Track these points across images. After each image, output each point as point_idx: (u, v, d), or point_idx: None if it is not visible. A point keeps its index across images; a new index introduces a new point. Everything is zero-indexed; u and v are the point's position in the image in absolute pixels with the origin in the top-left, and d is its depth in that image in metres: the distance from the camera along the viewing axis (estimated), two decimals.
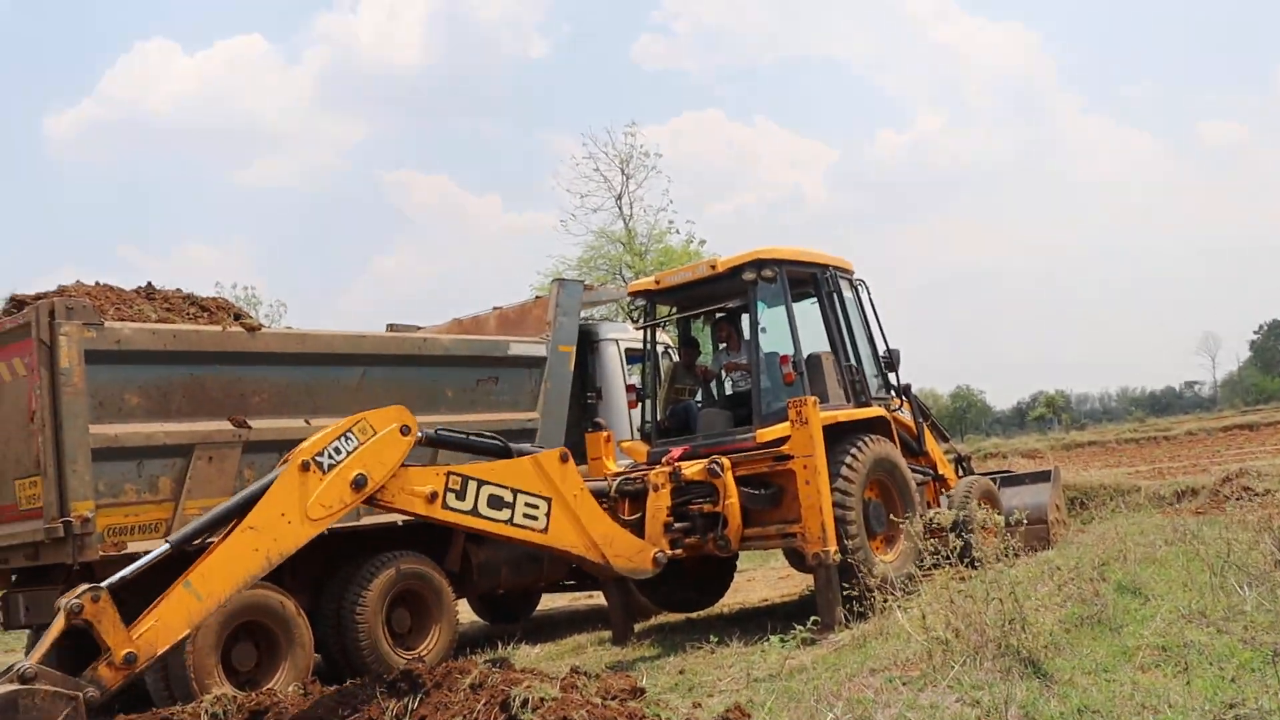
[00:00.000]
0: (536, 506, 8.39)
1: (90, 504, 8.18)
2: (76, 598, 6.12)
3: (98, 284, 9.48)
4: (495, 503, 8.16)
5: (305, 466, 7.09)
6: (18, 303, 8.97)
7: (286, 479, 7.05)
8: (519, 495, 8.29)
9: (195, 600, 6.59)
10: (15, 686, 5.78)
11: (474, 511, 8.03)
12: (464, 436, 8.59)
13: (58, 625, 6.13)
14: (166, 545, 6.78)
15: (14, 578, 9.67)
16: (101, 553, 8.24)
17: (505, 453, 8.61)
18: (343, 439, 7.30)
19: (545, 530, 8.44)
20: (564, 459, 8.66)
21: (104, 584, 6.28)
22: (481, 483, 8.10)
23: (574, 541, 8.66)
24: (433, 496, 7.81)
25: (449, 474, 7.96)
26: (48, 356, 8.16)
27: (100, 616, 6.21)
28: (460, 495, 7.97)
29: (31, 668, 5.87)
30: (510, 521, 8.24)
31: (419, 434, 7.84)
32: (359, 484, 7.31)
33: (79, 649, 9.81)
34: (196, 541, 6.98)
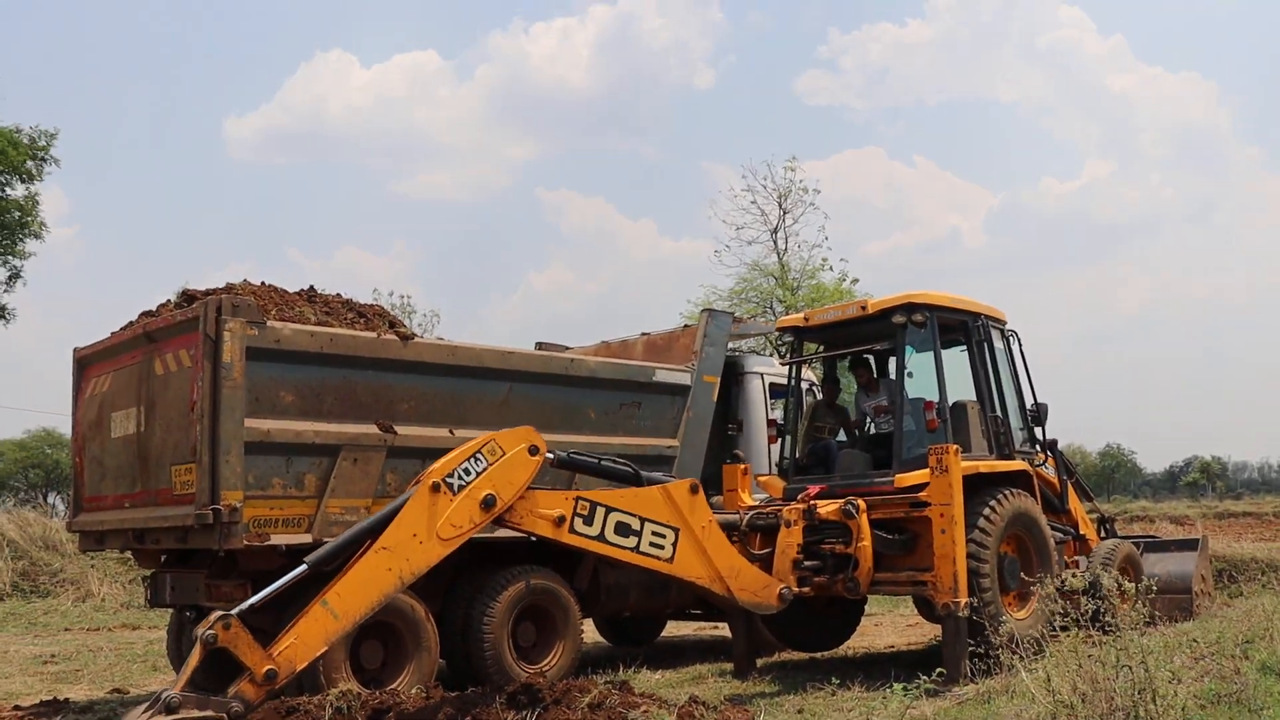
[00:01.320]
0: (664, 536, 8.43)
1: (239, 494, 8.46)
2: (210, 628, 6.36)
3: (263, 284, 9.82)
4: (622, 530, 8.23)
5: (436, 488, 7.28)
6: (188, 297, 9.33)
7: (418, 500, 7.24)
8: (646, 524, 8.34)
9: (332, 619, 6.83)
10: (164, 719, 6.02)
11: (600, 537, 8.12)
12: (596, 461, 8.68)
13: (196, 655, 6.37)
14: (304, 566, 7.01)
15: (163, 558, 10.06)
16: (246, 542, 8.51)
17: (636, 480, 8.68)
18: (472, 460, 7.47)
19: (671, 560, 8.48)
20: (694, 490, 8.69)
21: (234, 611, 6.52)
22: (610, 509, 8.19)
23: (699, 573, 8.67)
24: (560, 520, 7.92)
25: (578, 499, 8.07)
26: (212, 350, 8.47)
27: (235, 641, 6.46)
28: (588, 520, 8.06)
29: (176, 696, 6.13)
30: (637, 549, 8.30)
31: (550, 455, 7.97)
32: (488, 504, 7.46)
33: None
34: (334, 564, 7.18)
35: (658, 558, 8.42)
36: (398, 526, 7.13)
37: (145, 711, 6.16)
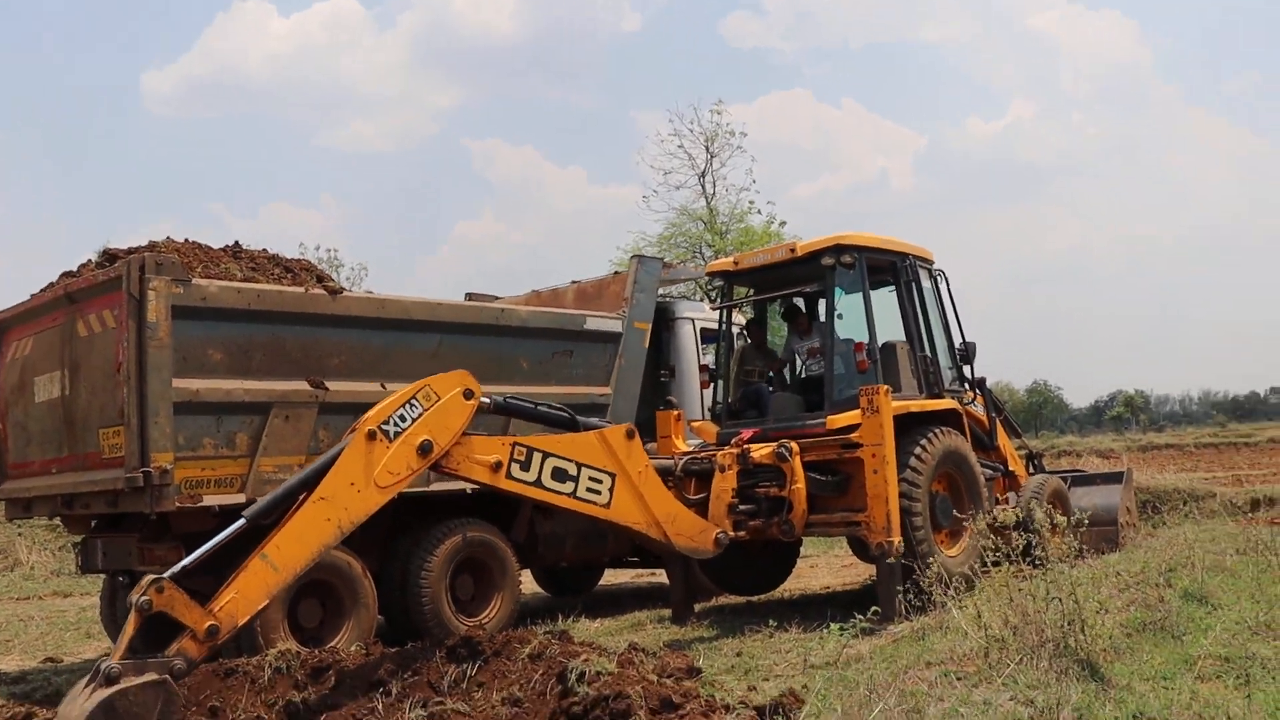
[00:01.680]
0: (600, 481, 8.46)
1: (170, 455, 8.36)
2: (144, 594, 6.22)
3: (187, 241, 9.66)
4: (559, 475, 8.23)
5: (372, 435, 7.19)
6: (110, 256, 9.17)
7: (354, 448, 7.15)
8: (583, 469, 8.36)
9: (272, 571, 6.73)
10: (107, 692, 5.92)
11: (538, 483, 8.12)
12: (532, 406, 8.67)
13: (132, 622, 6.22)
14: (243, 520, 6.89)
15: (93, 523, 9.94)
16: (178, 504, 8.42)
17: (572, 425, 8.68)
18: (407, 406, 7.40)
19: (608, 505, 8.51)
20: (630, 435, 8.72)
21: (167, 574, 6.38)
22: (546, 454, 8.18)
23: (636, 518, 8.72)
24: (497, 466, 7.89)
25: (514, 444, 8.05)
26: (136, 310, 8.32)
27: (171, 603, 6.31)
28: (525, 466, 8.05)
29: (115, 666, 5.97)
30: (574, 495, 8.32)
31: (487, 400, 7.93)
32: (425, 449, 7.40)
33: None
34: (271, 518, 7.08)
35: (595, 503, 8.45)
36: (335, 476, 7.05)
37: (86, 686, 6.07)
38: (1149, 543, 12.31)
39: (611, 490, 8.51)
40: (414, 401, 7.44)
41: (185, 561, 6.54)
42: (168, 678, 6.11)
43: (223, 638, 6.52)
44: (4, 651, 11.66)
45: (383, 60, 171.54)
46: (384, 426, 7.27)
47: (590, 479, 8.40)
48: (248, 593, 6.62)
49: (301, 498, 7.03)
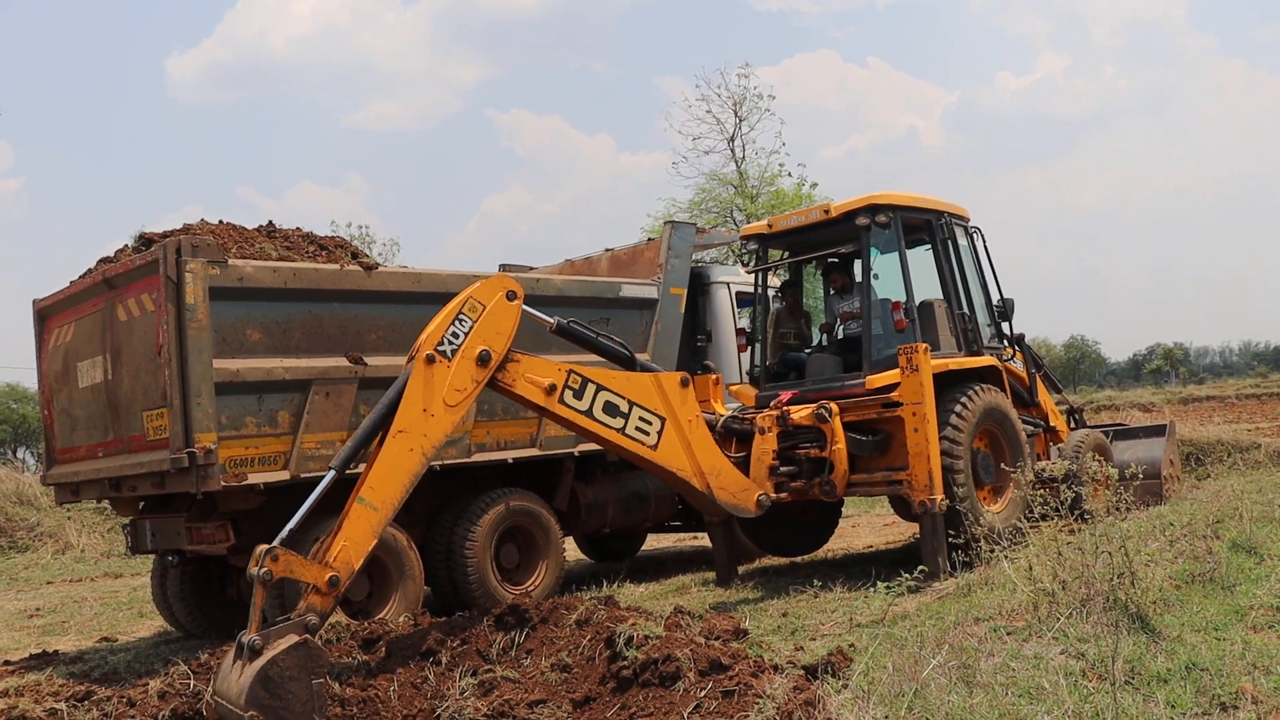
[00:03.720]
0: (650, 423, 8.57)
1: (213, 435, 8.42)
2: (261, 567, 6.33)
3: (221, 222, 9.70)
4: (611, 409, 8.36)
5: (430, 359, 7.39)
6: (145, 240, 9.21)
7: (417, 376, 7.34)
8: (635, 408, 8.47)
9: (372, 511, 6.92)
10: (257, 664, 6.02)
11: (589, 413, 8.25)
12: (594, 335, 8.80)
13: (258, 595, 6.36)
14: (332, 471, 7.04)
15: (141, 505, 10.04)
16: (223, 483, 8.49)
17: (630, 363, 8.81)
18: (456, 322, 7.57)
19: (655, 447, 8.60)
20: (685, 383, 8.85)
21: (276, 542, 6.48)
22: (600, 387, 8.31)
23: (682, 465, 8.77)
24: (551, 389, 8.05)
25: (570, 371, 8.20)
26: (174, 293, 8.38)
27: (289, 568, 6.46)
28: (578, 395, 8.20)
29: (255, 639, 6.11)
30: (623, 431, 8.43)
31: (550, 320, 8.24)
32: (484, 359, 7.61)
33: (204, 578, 10.21)
34: (355, 463, 7.21)
35: (643, 443, 8.55)
36: (406, 406, 7.23)
37: (235, 664, 6.19)
38: (1194, 495, 12.21)
39: (660, 433, 8.62)
40: (462, 316, 7.61)
41: (290, 525, 6.66)
42: (306, 636, 6.25)
43: (344, 585, 6.68)
44: (60, 633, 11.82)
45: (405, 37, 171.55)
46: (440, 348, 7.45)
47: (641, 418, 8.51)
48: (355, 537, 6.80)
49: (380, 435, 7.18)
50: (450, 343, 7.50)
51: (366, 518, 6.88)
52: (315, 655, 6.22)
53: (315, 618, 6.46)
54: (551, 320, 8.41)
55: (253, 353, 8.78)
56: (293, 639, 6.18)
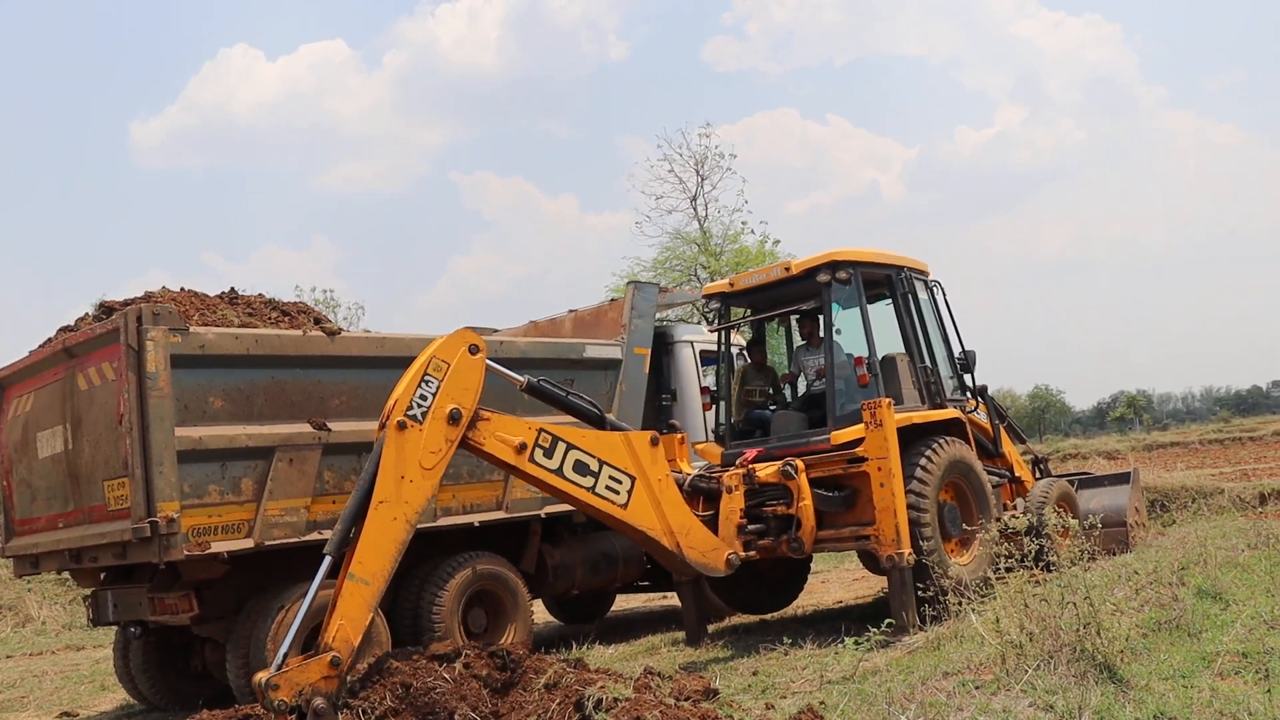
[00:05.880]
0: (620, 482, 8.57)
1: (176, 504, 8.35)
2: (271, 699, 6.40)
3: (183, 289, 9.68)
4: (581, 468, 8.37)
5: (402, 425, 7.37)
6: (106, 309, 9.18)
7: (390, 444, 7.32)
8: (605, 466, 8.49)
9: (364, 586, 6.94)
10: None
11: (559, 472, 8.26)
12: (564, 394, 8.82)
13: None
14: (328, 557, 7.03)
15: (103, 576, 9.93)
16: (186, 552, 8.40)
17: (600, 421, 8.84)
18: (423, 384, 7.55)
19: (625, 506, 8.61)
20: (654, 442, 8.86)
21: (272, 670, 6.51)
22: (571, 446, 8.32)
23: (652, 524, 8.78)
24: (521, 447, 8.06)
25: (540, 430, 8.20)
26: (135, 361, 8.34)
27: (295, 684, 6.49)
28: (548, 454, 8.20)
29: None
30: (593, 490, 8.44)
31: (521, 379, 8.29)
32: (454, 418, 7.60)
33: (168, 650, 10.06)
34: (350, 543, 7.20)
35: (613, 502, 8.55)
36: (384, 476, 7.22)
37: None
38: (1160, 542, 12.30)
39: (630, 492, 8.63)
40: (428, 377, 7.59)
41: (284, 650, 6.65)
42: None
43: (347, 663, 6.70)
44: (19, 708, 11.61)
45: (370, 101, 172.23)
46: (409, 413, 7.44)
47: (611, 477, 8.52)
48: (350, 614, 6.83)
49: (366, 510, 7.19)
50: (419, 405, 7.49)
51: (359, 593, 6.90)
52: None
53: (321, 700, 6.50)
54: (521, 378, 8.42)
55: (215, 420, 8.73)
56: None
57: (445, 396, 7.60)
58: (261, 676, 6.45)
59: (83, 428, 8.95)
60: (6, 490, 10.13)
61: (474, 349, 7.82)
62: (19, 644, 18.05)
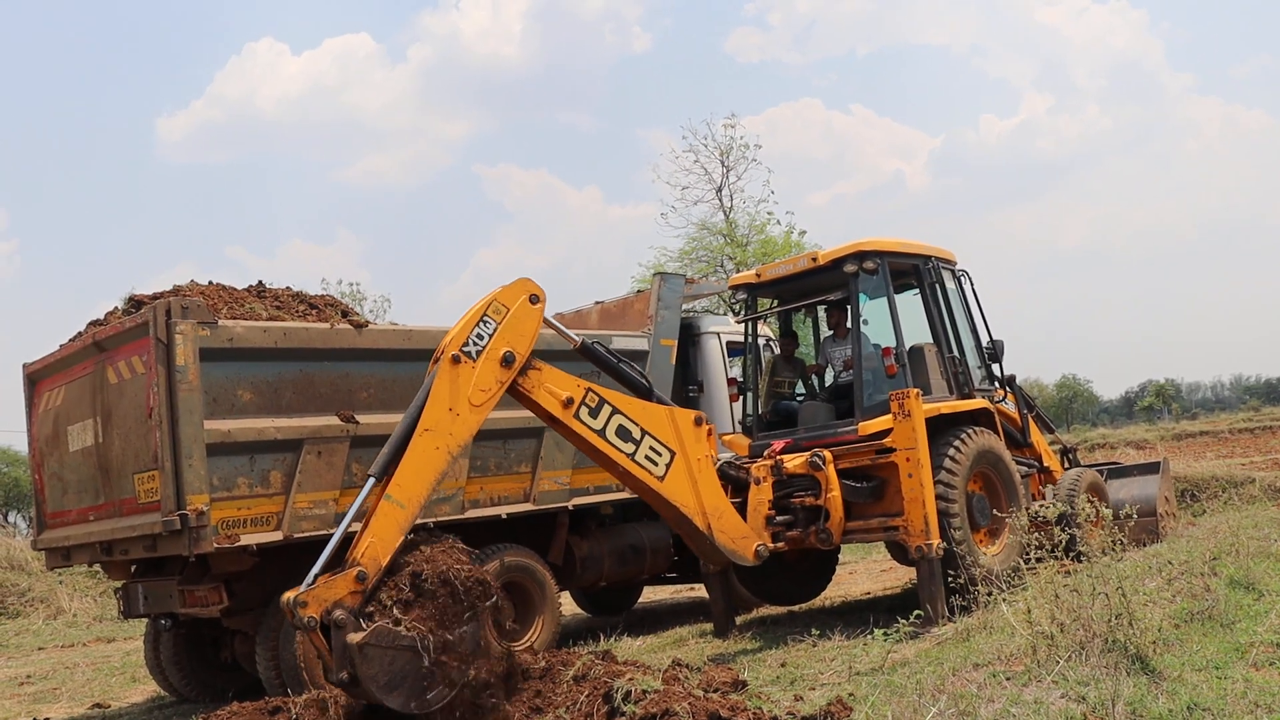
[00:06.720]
0: (660, 454, 8.66)
1: (205, 497, 8.39)
2: (299, 616, 6.48)
3: (211, 283, 9.71)
4: (623, 434, 8.48)
5: (456, 359, 7.56)
6: (135, 303, 9.21)
7: (443, 376, 7.49)
8: (647, 436, 8.59)
9: (400, 509, 7.04)
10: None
11: (601, 433, 8.37)
12: (615, 360, 8.94)
13: (318, 641, 6.62)
14: (372, 479, 7.18)
15: (133, 568, 9.98)
16: (216, 545, 8.43)
17: (648, 393, 8.89)
18: (481, 324, 7.74)
19: (662, 479, 8.69)
20: (699, 422, 8.93)
21: (302, 588, 6.56)
22: (616, 410, 8.45)
23: (686, 500, 8.82)
24: (568, 402, 8.20)
25: (589, 389, 8.32)
26: (164, 355, 8.37)
27: (322, 600, 6.53)
28: (594, 413, 8.34)
29: (343, 675, 6.43)
30: (632, 457, 8.53)
31: (576, 336, 8.49)
32: (508, 361, 7.76)
33: (198, 642, 10.10)
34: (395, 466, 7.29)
35: (651, 472, 8.63)
36: (432, 406, 7.39)
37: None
38: (1190, 532, 12.22)
39: (669, 466, 8.71)
40: (486, 318, 7.77)
41: (323, 558, 6.76)
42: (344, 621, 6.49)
43: (371, 580, 6.72)
44: (52, 700, 11.71)
45: (394, 94, 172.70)
46: (465, 349, 7.62)
47: (651, 448, 8.60)
48: (382, 533, 6.89)
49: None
50: (475, 344, 7.66)
51: (394, 515, 6.99)
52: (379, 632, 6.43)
53: (342, 612, 6.52)
54: (576, 338, 8.50)
55: (244, 413, 8.75)
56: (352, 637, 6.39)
57: (501, 339, 7.77)
58: (289, 595, 6.49)
59: (113, 421, 8.99)
60: (38, 483, 10.20)
61: (534, 298, 8.01)
62: (51, 636, 18.17)
